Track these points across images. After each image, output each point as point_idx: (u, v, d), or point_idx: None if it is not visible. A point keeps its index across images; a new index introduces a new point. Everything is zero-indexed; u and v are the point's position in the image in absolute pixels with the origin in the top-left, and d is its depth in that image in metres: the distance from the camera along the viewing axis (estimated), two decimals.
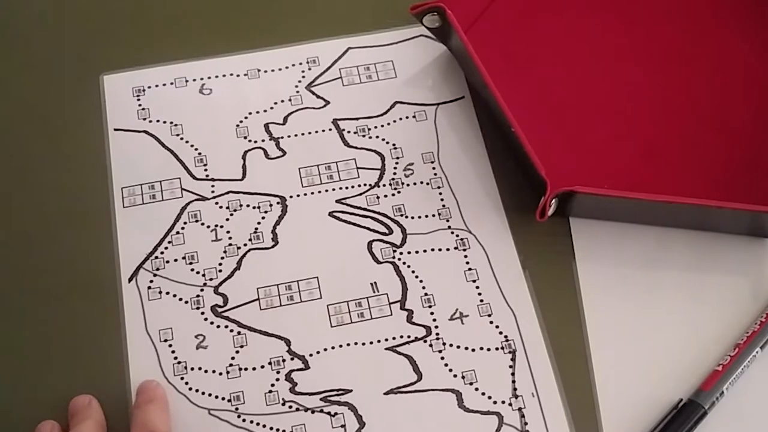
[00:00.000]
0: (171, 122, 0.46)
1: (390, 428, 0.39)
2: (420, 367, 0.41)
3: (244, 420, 0.39)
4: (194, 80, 0.47)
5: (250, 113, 0.46)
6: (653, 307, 0.42)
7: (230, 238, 0.43)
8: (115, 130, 0.46)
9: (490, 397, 0.40)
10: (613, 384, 0.40)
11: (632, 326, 0.42)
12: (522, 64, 0.48)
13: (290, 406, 0.40)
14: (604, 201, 0.42)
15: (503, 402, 0.40)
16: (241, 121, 0.46)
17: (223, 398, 0.40)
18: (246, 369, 0.40)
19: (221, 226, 0.44)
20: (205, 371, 0.40)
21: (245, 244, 0.43)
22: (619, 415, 0.40)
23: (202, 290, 0.42)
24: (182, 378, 0.40)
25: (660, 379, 0.41)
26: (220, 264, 0.43)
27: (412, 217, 0.44)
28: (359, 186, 0.45)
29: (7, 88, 0.47)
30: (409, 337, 0.41)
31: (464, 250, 0.43)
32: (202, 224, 0.44)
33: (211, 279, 0.42)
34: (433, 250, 0.43)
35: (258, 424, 0.39)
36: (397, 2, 0.48)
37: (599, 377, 0.41)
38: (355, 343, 0.41)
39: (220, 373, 0.40)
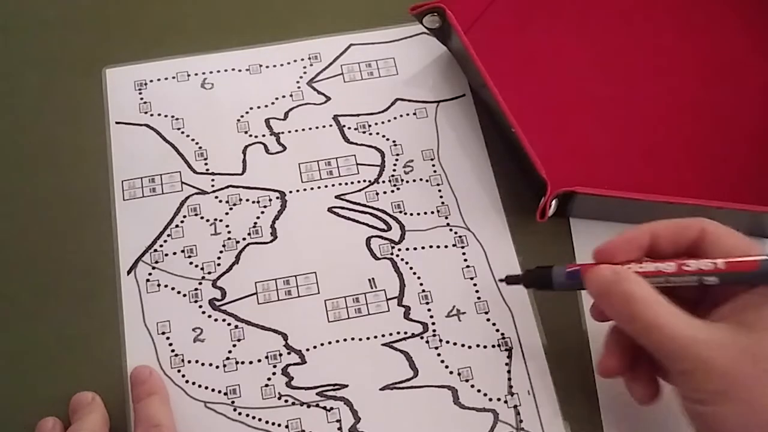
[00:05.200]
0: (172, 116, 0.46)
1: (385, 424, 0.39)
2: (416, 363, 0.41)
3: (240, 413, 0.40)
4: (196, 75, 0.47)
5: (251, 108, 0.47)
6: None
7: (229, 232, 0.43)
8: (117, 123, 0.46)
9: (485, 395, 0.40)
10: (612, 383, 0.40)
11: None
12: (522, 65, 0.48)
13: (286, 400, 0.40)
14: (605, 201, 0.42)
15: (499, 399, 0.40)
16: (242, 116, 0.46)
17: (219, 391, 0.40)
18: (243, 363, 0.41)
19: (220, 220, 0.44)
20: (202, 364, 0.41)
21: (244, 239, 0.43)
22: (618, 414, 0.40)
23: (200, 283, 0.42)
24: (179, 371, 0.40)
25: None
26: (219, 258, 0.43)
27: (411, 214, 0.44)
28: (359, 182, 0.45)
29: (10, 80, 0.47)
30: (405, 333, 0.41)
31: (462, 247, 0.43)
32: (202, 218, 0.44)
33: (209, 272, 0.42)
34: (431, 247, 0.43)
35: (254, 417, 0.39)
36: (399, 0, 0.48)
37: (599, 377, 0.40)
38: (352, 339, 0.41)
39: (217, 367, 0.40)
